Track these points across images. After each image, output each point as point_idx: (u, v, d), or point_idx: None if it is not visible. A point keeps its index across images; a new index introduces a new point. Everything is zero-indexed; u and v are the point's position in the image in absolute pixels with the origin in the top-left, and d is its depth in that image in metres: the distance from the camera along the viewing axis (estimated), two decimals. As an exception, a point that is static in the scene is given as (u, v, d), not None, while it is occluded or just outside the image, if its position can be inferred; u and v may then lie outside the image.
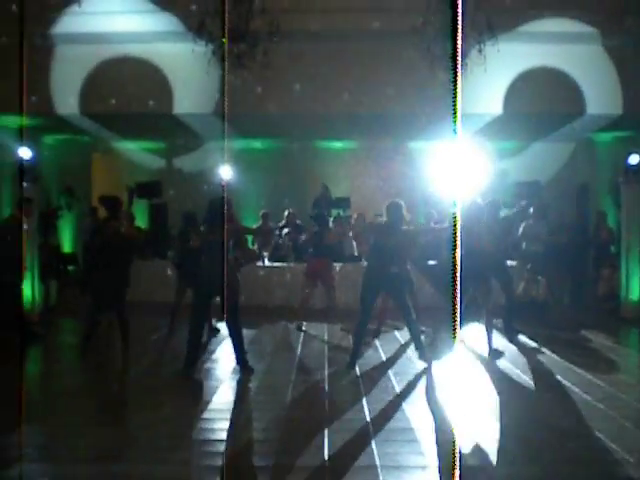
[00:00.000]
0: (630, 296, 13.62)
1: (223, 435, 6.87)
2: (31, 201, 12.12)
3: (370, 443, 6.48)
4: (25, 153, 13.39)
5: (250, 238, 17.17)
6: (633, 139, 17.11)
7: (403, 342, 11.32)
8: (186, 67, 14.02)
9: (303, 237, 14.04)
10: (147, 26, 14.25)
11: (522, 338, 11.58)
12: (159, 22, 14.11)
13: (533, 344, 11.24)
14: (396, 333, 12.01)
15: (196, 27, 13.29)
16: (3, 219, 12.05)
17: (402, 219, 9.77)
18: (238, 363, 9.49)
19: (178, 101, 14.56)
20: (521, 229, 14.29)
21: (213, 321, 12.02)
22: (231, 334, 9.52)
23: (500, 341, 11.06)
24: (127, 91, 14.59)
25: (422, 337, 10.21)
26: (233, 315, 9.35)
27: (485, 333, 10.61)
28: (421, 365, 9.68)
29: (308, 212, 17.35)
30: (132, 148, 19.68)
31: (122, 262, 10.73)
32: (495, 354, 10.39)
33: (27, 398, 8.06)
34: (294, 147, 19.33)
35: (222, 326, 12.03)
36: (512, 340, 11.38)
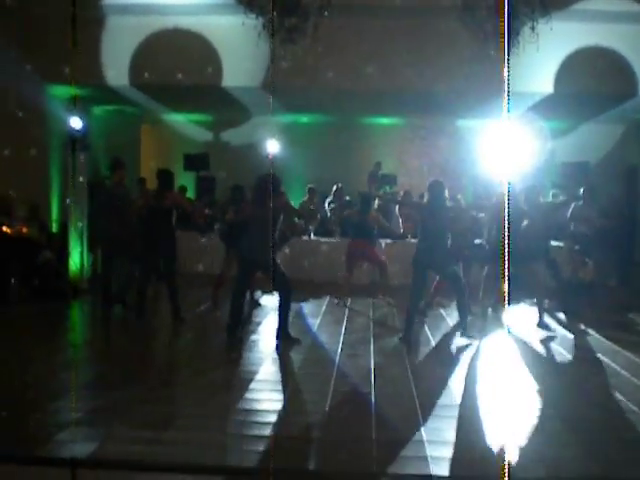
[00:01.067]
0: (678, 280, 13.49)
1: (268, 406, 6.92)
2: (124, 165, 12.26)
3: (417, 417, 6.51)
4: (76, 123, 13.50)
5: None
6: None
7: (449, 320, 11.32)
8: (236, 40, 14.01)
9: (345, 213, 13.94)
10: (198, -2, 14.28)
11: (569, 319, 11.52)
12: (210, -6, 14.13)
13: (580, 325, 11.16)
14: (441, 311, 12.00)
15: (247, 0, 13.27)
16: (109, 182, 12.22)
17: (444, 198, 9.78)
18: (278, 334, 9.57)
19: (227, 74, 14.58)
20: (570, 211, 14.18)
21: (256, 294, 12.11)
22: (280, 304, 9.59)
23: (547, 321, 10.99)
24: (177, 63, 14.64)
25: (469, 317, 10.16)
26: (283, 285, 9.48)
27: (536, 313, 10.60)
28: (466, 343, 9.68)
29: (356, 187, 17.39)
30: (180, 120, 19.77)
31: (171, 231, 10.90)
32: (550, 332, 10.35)
33: (76, 365, 8.21)
34: (341, 122, 19.28)
35: (264, 300, 12.16)
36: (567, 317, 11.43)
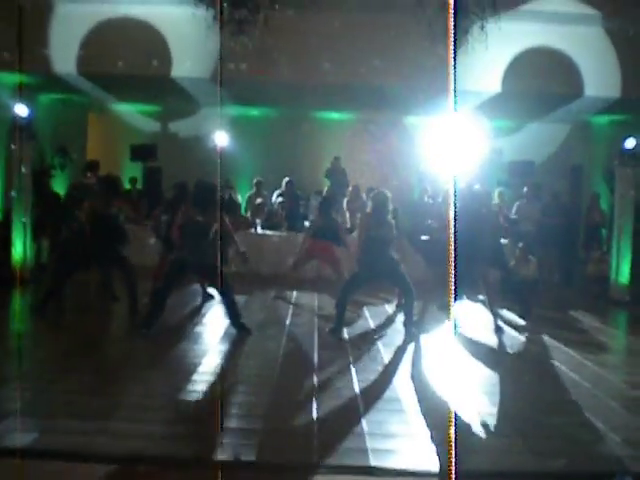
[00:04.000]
0: (620, 279, 13.69)
1: (213, 397, 6.92)
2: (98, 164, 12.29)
3: (358, 410, 6.55)
4: (21, 111, 13.32)
5: (243, 206, 17.25)
6: (629, 123, 17.14)
7: (391, 313, 11.42)
8: (186, 31, 13.94)
9: (311, 219, 13.71)
10: (149, -12, 14.17)
11: (511, 316, 11.63)
12: (161, -16, 14.03)
13: (523, 322, 11.27)
14: (386, 306, 12.05)
15: (198, -9, 13.22)
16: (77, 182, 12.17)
17: (387, 209, 9.90)
18: (234, 326, 9.68)
19: (176, 65, 14.48)
20: (514, 208, 14.35)
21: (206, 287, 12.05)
22: (222, 301, 9.84)
23: (479, 318, 11.08)
24: (125, 52, 14.50)
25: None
26: (220, 284, 9.66)
27: (483, 312, 10.73)
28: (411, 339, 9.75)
29: (305, 181, 17.50)
30: (128, 110, 19.58)
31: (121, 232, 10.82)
32: (500, 331, 10.43)
33: (19, 354, 8.11)
34: (291, 116, 19.24)
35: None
36: (525, 318, 11.46)
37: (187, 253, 9.54)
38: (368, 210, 10.16)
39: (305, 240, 12.62)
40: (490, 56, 13.64)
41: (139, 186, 18.12)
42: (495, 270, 11.50)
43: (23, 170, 13.47)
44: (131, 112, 19.56)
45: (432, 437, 5.92)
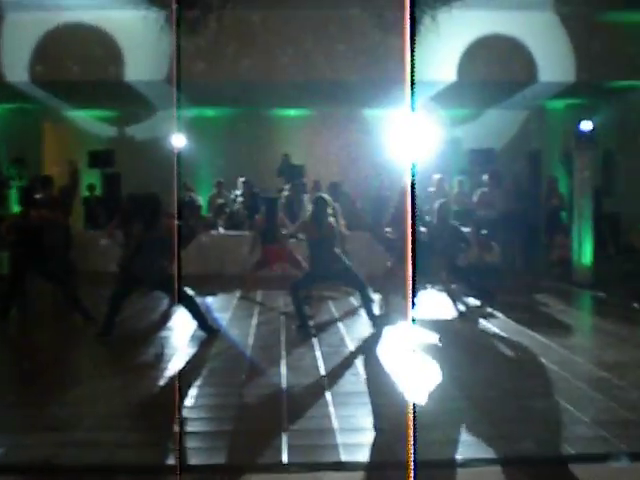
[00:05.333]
0: (582, 261, 13.78)
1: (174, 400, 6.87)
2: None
3: (327, 406, 6.54)
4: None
5: (205, 207, 17.18)
6: (584, 106, 17.28)
7: (357, 306, 11.43)
8: (138, 34, 13.85)
9: (255, 220, 13.61)
10: (98, -7, 14.04)
11: (475, 302, 11.69)
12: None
13: (487, 308, 11.31)
14: (351, 299, 12.05)
15: (148, -7, 13.15)
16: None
17: (326, 212, 9.97)
18: (202, 329, 9.65)
19: (130, 68, 14.39)
20: (476, 196, 14.39)
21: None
22: (185, 309, 9.76)
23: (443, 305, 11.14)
24: (78, 58, 14.40)
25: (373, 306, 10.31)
26: (175, 291, 9.66)
27: (449, 299, 11.01)
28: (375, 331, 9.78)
29: (265, 179, 17.44)
30: (84, 116, 19.41)
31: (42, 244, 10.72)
32: (462, 317, 10.66)
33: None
34: (248, 115, 19.19)
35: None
36: (489, 304, 11.51)
37: (133, 267, 9.61)
38: (308, 215, 10.34)
39: (254, 242, 12.61)
40: (443, 45, 13.68)
41: (97, 192, 18.00)
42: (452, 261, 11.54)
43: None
44: (87, 118, 19.39)
45: (394, 429, 5.90)
